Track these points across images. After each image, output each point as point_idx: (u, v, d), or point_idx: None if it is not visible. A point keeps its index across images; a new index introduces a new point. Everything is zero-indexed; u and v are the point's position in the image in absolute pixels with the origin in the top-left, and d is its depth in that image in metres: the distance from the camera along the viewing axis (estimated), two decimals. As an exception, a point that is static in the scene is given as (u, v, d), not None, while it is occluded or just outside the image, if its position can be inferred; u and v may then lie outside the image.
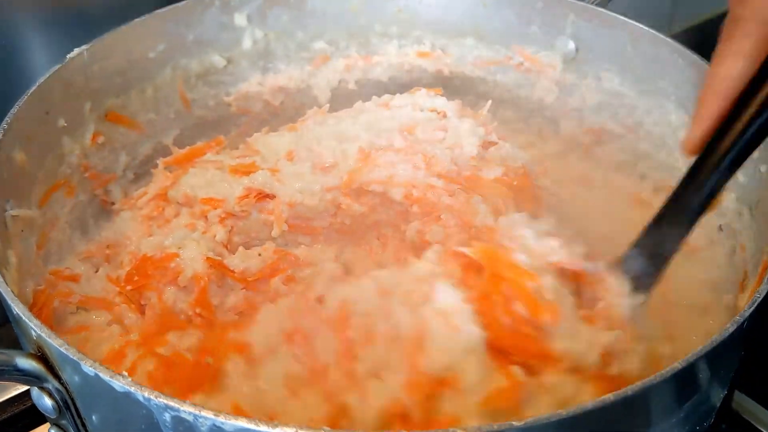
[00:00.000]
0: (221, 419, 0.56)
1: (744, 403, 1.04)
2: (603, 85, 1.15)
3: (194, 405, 0.56)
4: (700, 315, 0.93)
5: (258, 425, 0.55)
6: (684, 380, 0.65)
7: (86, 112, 1.04)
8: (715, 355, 0.65)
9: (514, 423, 0.56)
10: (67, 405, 0.67)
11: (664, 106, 1.08)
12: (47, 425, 0.99)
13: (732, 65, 0.70)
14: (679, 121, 1.07)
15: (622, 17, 1.10)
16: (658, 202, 1.07)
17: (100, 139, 1.06)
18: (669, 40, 1.05)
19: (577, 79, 1.18)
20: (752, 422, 1.03)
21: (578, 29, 1.15)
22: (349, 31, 1.25)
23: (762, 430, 1.02)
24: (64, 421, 0.69)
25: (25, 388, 1.05)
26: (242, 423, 0.55)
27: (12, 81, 1.12)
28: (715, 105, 0.70)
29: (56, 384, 0.65)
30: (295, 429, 0.55)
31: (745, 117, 0.69)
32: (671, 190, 1.03)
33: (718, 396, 0.77)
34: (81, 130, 1.04)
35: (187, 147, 1.12)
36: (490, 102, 1.15)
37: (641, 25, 1.08)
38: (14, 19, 1.11)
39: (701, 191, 0.72)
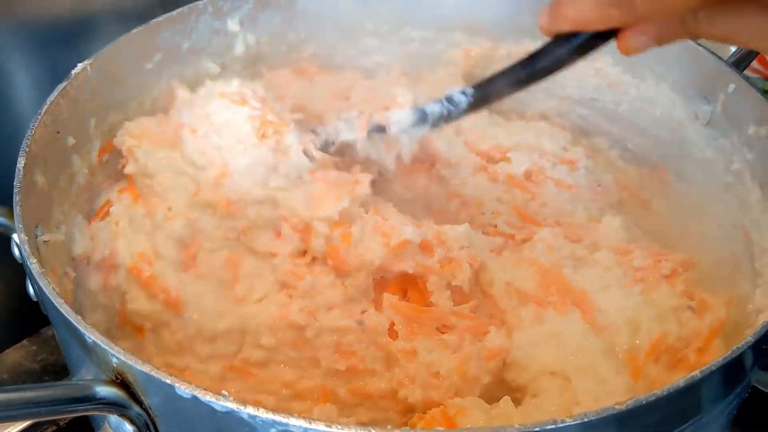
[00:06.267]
0: (333, 430, 0.56)
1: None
2: (598, 71, 1.18)
3: (304, 418, 0.56)
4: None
5: (373, 434, 0.56)
6: (742, 359, 0.68)
7: (91, 128, 1.02)
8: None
9: (615, 407, 0.58)
10: (148, 427, 0.65)
11: (660, 91, 1.12)
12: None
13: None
14: (671, 102, 1.11)
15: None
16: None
17: (105, 157, 1.04)
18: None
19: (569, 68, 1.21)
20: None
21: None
22: (339, 30, 1.24)
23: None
24: (144, 446, 0.68)
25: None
26: (356, 432, 0.56)
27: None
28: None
29: (138, 409, 0.64)
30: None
31: None
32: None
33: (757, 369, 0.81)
34: (87, 147, 1.01)
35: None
36: None
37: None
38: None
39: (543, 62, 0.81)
